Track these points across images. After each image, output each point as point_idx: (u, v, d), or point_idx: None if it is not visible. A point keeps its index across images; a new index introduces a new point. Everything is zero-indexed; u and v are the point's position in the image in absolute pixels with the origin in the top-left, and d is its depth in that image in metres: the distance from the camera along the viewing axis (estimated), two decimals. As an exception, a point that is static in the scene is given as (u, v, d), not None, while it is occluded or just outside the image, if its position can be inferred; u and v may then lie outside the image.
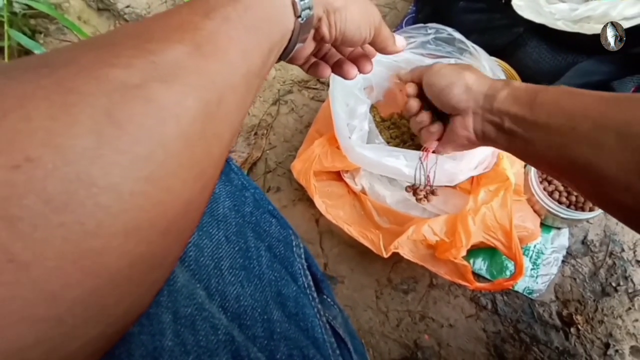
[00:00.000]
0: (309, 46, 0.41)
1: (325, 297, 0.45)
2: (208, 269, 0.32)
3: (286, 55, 0.36)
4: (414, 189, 0.67)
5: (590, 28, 0.61)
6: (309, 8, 0.33)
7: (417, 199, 0.68)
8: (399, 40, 0.46)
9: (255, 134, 0.99)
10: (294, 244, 0.42)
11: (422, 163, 0.62)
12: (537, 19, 0.67)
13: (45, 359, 0.18)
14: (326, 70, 0.47)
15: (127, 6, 1.09)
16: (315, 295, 0.40)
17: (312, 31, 0.37)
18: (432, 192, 0.66)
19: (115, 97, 0.19)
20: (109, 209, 0.18)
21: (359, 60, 0.47)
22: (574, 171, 0.40)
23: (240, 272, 0.34)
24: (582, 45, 0.70)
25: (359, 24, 0.38)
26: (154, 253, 0.21)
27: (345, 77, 0.47)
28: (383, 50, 0.46)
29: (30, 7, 1.03)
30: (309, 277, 0.41)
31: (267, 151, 0.98)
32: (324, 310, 0.41)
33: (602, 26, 0.60)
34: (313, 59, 0.47)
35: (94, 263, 0.18)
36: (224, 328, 0.31)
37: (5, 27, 0.99)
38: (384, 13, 1.07)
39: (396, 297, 0.84)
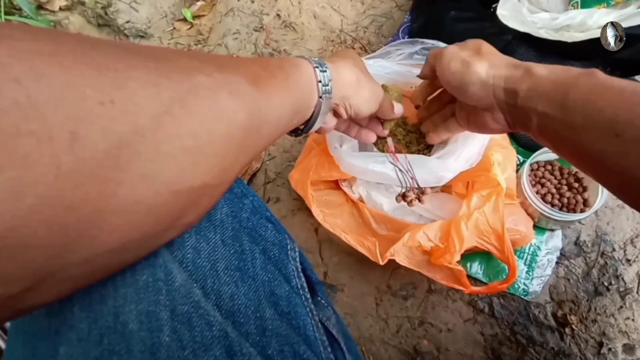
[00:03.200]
0: (331, 121, 0.51)
1: (319, 299, 0.47)
2: (204, 270, 0.35)
3: (309, 127, 0.46)
4: (402, 195, 0.68)
5: (570, 36, 0.64)
6: (329, 93, 0.44)
7: (408, 204, 0.68)
8: (397, 107, 0.58)
9: (253, 144, 1.01)
10: (288, 247, 0.44)
11: (394, 165, 0.64)
12: (521, 28, 0.69)
13: (46, 263, 0.21)
14: (371, 135, 0.61)
15: (127, 21, 1.12)
16: (308, 295, 0.42)
17: (332, 112, 0.49)
18: (422, 192, 0.66)
19: (193, 90, 0.26)
20: (143, 155, 0.23)
21: (373, 125, 0.62)
22: (616, 178, 0.38)
23: (235, 273, 0.37)
24: (568, 52, 0.72)
25: (367, 104, 0.50)
26: (165, 207, 0.26)
27: (368, 141, 0.62)
28: (383, 117, 0.59)
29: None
30: (303, 279, 0.43)
31: (267, 162, 1.00)
32: (318, 311, 0.43)
33: (581, 34, 0.62)
34: (356, 127, 0.61)
35: (110, 190, 0.22)
36: (218, 325, 0.33)
37: (6, 46, 1.01)
38: (381, 23, 1.09)
39: (395, 304, 0.86)
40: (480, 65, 0.47)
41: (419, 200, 0.67)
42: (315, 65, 0.43)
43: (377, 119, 0.60)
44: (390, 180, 0.68)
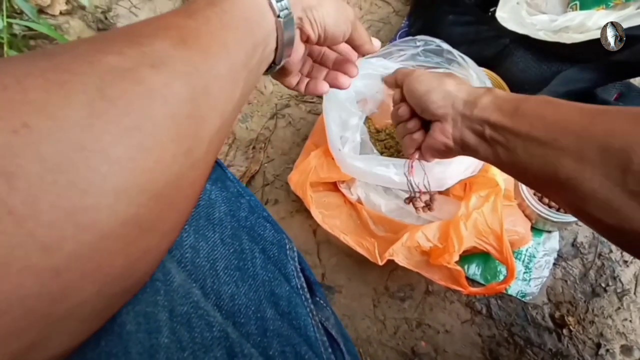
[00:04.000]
0: (299, 48, 0.44)
1: (318, 299, 0.46)
2: (204, 269, 0.34)
3: (279, 56, 0.39)
4: (411, 199, 0.68)
5: (569, 37, 0.65)
6: (287, 8, 0.36)
7: (416, 210, 0.68)
8: (375, 40, 0.51)
9: (254, 147, 1.01)
10: (287, 247, 0.43)
11: (407, 178, 0.64)
12: (520, 30, 0.70)
13: (48, 310, 0.20)
14: (323, 86, 0.51)
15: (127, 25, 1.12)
16: (308, 296, 0.42)
17: (298, 33, 0.41)
18: (432, 200, 0.66)
19: (108, 77, 0.22)
20: (99, 170, 0.20)
21: (344, 66, 0.52)
22: (557, 184, 0.39)
23: (235, 272, 0.36)
24: (565, 54, 0.73)
25: (336, 19, 0.42)
26: (145, 216, 0.23)
27: (339, 86, 0.52)
28: (360, 48, 0.49)
29: (30, 29, 1.06)
30: (302, 279, 0.42)
31: (265, 164, 1.00)
32: (317, 311, 0.42)
33: (580, 35, 0.63)
34: (306, 79, 0.51)
35: (87, 219, 0.20)
36: (218, 325, 0.32)
37: (5, 48, 1.02)
38: (379, 28, 1.10)
39: (393, 305, 0.86)
40: (448, 81, 0.51)
41: (429, 209, 0.66)
42: None
43: (347, 60, 0.52)
44: (394, 184, 0.69)
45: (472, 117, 0.48)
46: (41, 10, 1.09)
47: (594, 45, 0.65)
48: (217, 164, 0.41)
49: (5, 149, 0.18)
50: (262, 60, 0.37)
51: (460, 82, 0.52)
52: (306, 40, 0.43)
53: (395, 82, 0.59)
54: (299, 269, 0.43)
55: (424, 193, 0.66)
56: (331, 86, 0.52)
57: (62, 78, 0.21)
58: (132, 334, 0.28)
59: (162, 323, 0.30)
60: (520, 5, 0.70)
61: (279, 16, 0.36)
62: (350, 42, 0.48)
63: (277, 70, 0.43)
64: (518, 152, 0.43)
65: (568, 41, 0.66)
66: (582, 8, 0.72)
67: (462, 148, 0.51)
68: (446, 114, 0.50)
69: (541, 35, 0.68)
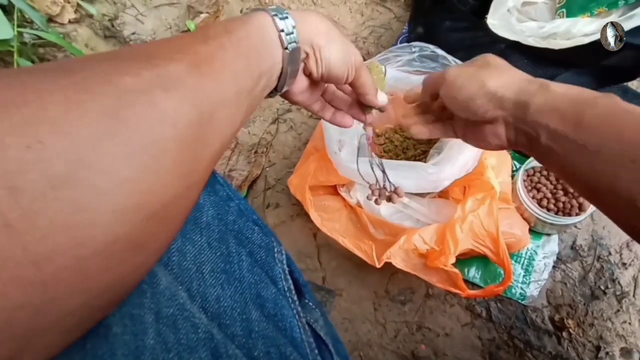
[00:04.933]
0: (301, 80, 0.45)
1: (307, 301, 0.47)
2: (190, 272, 0.34)
3: (282, 85, 0.41)
4: (372, 191, 0.64)
5: (556, 44, 0.66)
6: (295, 42, 0.38)
7: (375, 201, 0.64)
8: (381, 95, 0.50)
9: (256, 152, 1.03)
10: (275, 250, 0.43)
11: (372, 169, 0.62)
12: (511, 37, 0.71)
13: (31, 322, 0.20)
14: (347, 119, 0.52)
15: (133, 33, 1.15)
16: (295, 298, 0.42)
17: (302, 65, 0.42)
18: (397, 193, 0.61)
19: (124, 98, 0.23)
20: (101, 189, 0.21)
21: (353, 111, 0.53)
22: (627, 209, 0.35)
23: (221, 275, 0.36)
24: (559, 59, 0.74)
25: (341, 61, 0.42)
26: (137, 235, 0.24)
27: (343, 125, 0.53)
28: (363, 97, 0.49)
29: (39, 37, 1.09)
30: (290, 281, 0.43)
31: (267, 168, 1.01)
32: (305, 313, 0.43)
33: (567, 41, 0.64)
34: (331, 108, 0.52)
35: (81, 234, 0.20)
36: (204, 327, 0.32)
37: (15, 56, 1.05)
38: (380, 33, 1.12)
39: (393, 308, 0.87)
40: (488, 76, 0.44)
41: (391, 200, 0.62)
42: (272, 13, 0.37)
43: (358, 104, 0.52)
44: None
45: (526, 121, 0.42)
46: (50, 19, 1.12)
47: (582, 51, 0.67)
48: None
49: (17, 163, 0.19)
50: (266, 86, 0.38)
51: (503, 73, 0.45)
52: (309, 75, 0.44)
53: (427, 92, 0.54)
54: (287, 272, 0.43)
55: (383, 189, 0.63)
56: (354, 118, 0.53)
57: (82, 97, 0.22)
58: (118, 336, 0.28)
59: (148, 325, 0.30)
60: (510, 13, 0.72)
61: (286, 48, 0.37)
62: (354, 88, 0.48)
63: (277, 95, 0.43)
64: (579, 167, 0.38)
65: (556, 47, 0.67)
66: (568, 16, 0.73)
67: (516, 146, 0.46)
68: (496, 117, 0.44)
69: (531, 42, 0.69)
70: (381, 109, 0.52)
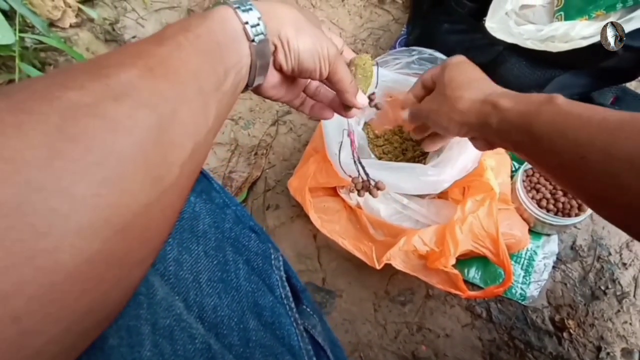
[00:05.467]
0: (272, 75, 0.43)
1: (305, 307, 0.47)
2: (187, 282, 0.34)
3: (252, 80, 0.39)
4: (354, 184, 0.64)
5: (555, 46, 0.66)
6: (262, 33, 0.36)
7: (358, 193, 0.64)
8: (361, 96, 0.47)
9: (255, 154, 1.03)
10: (272, 257, 0.43)
11: (356, 164, 0.62)
12: (509, 39, 0.72)
13: (6, 357, 0.19)
14: (327, 112, 0.51)
15: (134, 37, 1.16)
16: (292, 305, 0.42)
17: (271, 59, 0.40)
18: (377, 187, 0.61)
19: (68, 114, 0.22)
20: (60, 211, 0.20)
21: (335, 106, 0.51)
22: (585, 198, 0.41)
23: (218, 284, 0.36)
24: (557, 61, 0.74)
25: (311, 52, 0.40)
26: (112, 250, 0.22)
27: (322, 117, 0.52)
28: (342, 95, 0.46)
29: (40, 42, 1.10)
30: (287, 288, 0.43)
31: (267, 170, 1.02)
32: (303, 320, 0.43)
33: (565, 44, 0.65)
34: (311, 101, 0.51)
35: (47, 261, 0.19)
36: (201, 337, 0.32)
37: (17, 61, 1.05)
38: (379, 35, 1.12)
39: (394, 309, 0.87)
40: (452, 107, 0.52)
41: (371, 194, 0.62)
42: (235, 6, 0.36)
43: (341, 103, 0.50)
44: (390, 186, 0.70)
45: (494, 137, 0.49)
46: (52, 24, 1.13)
47: (581, 53, 0.67)
48: (203, 175, 0.41)
49: None
50: (238, 82, 0.37)
51: (463, 97, 0.52)
52: (279, 69, 0.42)
53: (412, 101, 0.62)
54: (284, 278, 0.43)
55: (366, 181, 0.63)
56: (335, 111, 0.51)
57: (19, 119, 0.20)
58: (115, 348, 0.28)
59: (144, 336, 0.30)
60: (508, 16, 0.72)
61: (253, 40, 0.36)
62: (331, 84, 0.45)
63: (250, 89, 0.42)
64: (547, 163, 0.43)
65: (554, 50, 0.68)
66: (566, 18, 0.74)
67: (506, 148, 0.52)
68: (474, 136, 0.53)
69: (529, 45, 0.70)
70: (359, 107, 0.49)
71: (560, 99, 0.43)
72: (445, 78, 0.55)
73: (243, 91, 0.40)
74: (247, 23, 0.35)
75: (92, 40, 1.16)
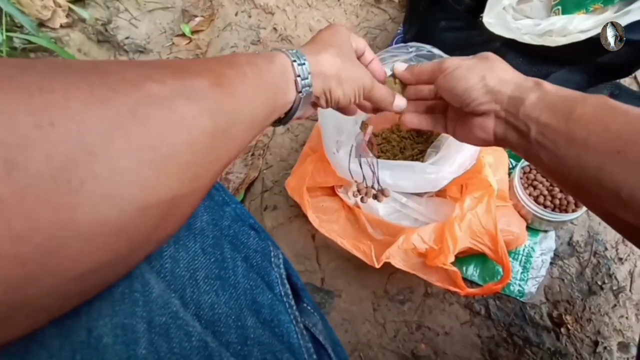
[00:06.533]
0: (309, 110, 0.48)
1: (305, 305, 0.46)
2: (183, 279, 0.34)
3: (287, 120, 0.44)
4: (358, 190, 0.64)
5: (553, 41, 0.67)
6: (309, 86, 0.41)
7: (361, 200, 0.64)
8: (399, 100, 0.52)
9: (253, 154, 1.03)
10: (272, 254, 0.43)
11: (362, 168, 0.62)
12: (507, 34, 0.72)
13: (5, 298, 0.20)
14: (352, 108, 0.55)
15: (127, 37, 1.14)
16: (292, 302, 0.41)
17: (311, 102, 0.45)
18: (383, 193, 0.62)
19: (145, 100, 0.25)
20: (98, 175, 0.22)
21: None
22: (612, 199, 0.37)
23: (216, 281, 0.36)
24: (554, 57, 0.74)
25: (351, 97, 0.46)
26: (124, 224, 0.24)
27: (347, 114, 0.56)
28: (382, 108, 0.52)
29: (30, 42, 1.08)
30: (287, 286, 0.42)
31: (264, 171, 1.01)
32: (303, 318, 0.42)
33: (563, 38, 0.65)
34: None
35: (65, 215, 0.21)
36: (197, 335, 0.32)
37: (6, 62, 1.03)
38: (375, 35, 1.12)
39: (393, 308, 0.87)
40: (487, 70, 0.46)
41: (376, 199, 0.63)
42: (293, 58, 0.40)
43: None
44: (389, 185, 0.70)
45: (518, 115, 0.44)
46: (42, 24, 1.11)
47: (578, 48, 0.67)
48: None
49: (22, 139, 0.19)
50: (274, 119, 0.41)
51: (502, 70, 0.47)
52: (315, 106, 0.48)
53: (415, 79, 0.55)
54: (284, 276, 0.43)
55: (371, 187, 0.64)
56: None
57: (106, 94, 0.23)
58: (109, 346, 0.28)
59: (140, 334, 0.29)
60: (506, 11, 0.72)
61: (300, 91, 0.41)
62: (371, 103, 0.51)
63: (279, 126, 0.46)
64: (567, 160, 0.40)
65: (552, 44, 0.68)
66: (564, 12, 0.74)
67: (501, 143, 0.48)
68: (489, 110, 0.46)
69: (527, 39, 0.70)
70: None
71: (606, 97, 0.40)
72: (483, 54, 0.51)
73: (272, 125, 0.45)
74: (299, 76, 0.40)
75: (84, 41, 1.15)
